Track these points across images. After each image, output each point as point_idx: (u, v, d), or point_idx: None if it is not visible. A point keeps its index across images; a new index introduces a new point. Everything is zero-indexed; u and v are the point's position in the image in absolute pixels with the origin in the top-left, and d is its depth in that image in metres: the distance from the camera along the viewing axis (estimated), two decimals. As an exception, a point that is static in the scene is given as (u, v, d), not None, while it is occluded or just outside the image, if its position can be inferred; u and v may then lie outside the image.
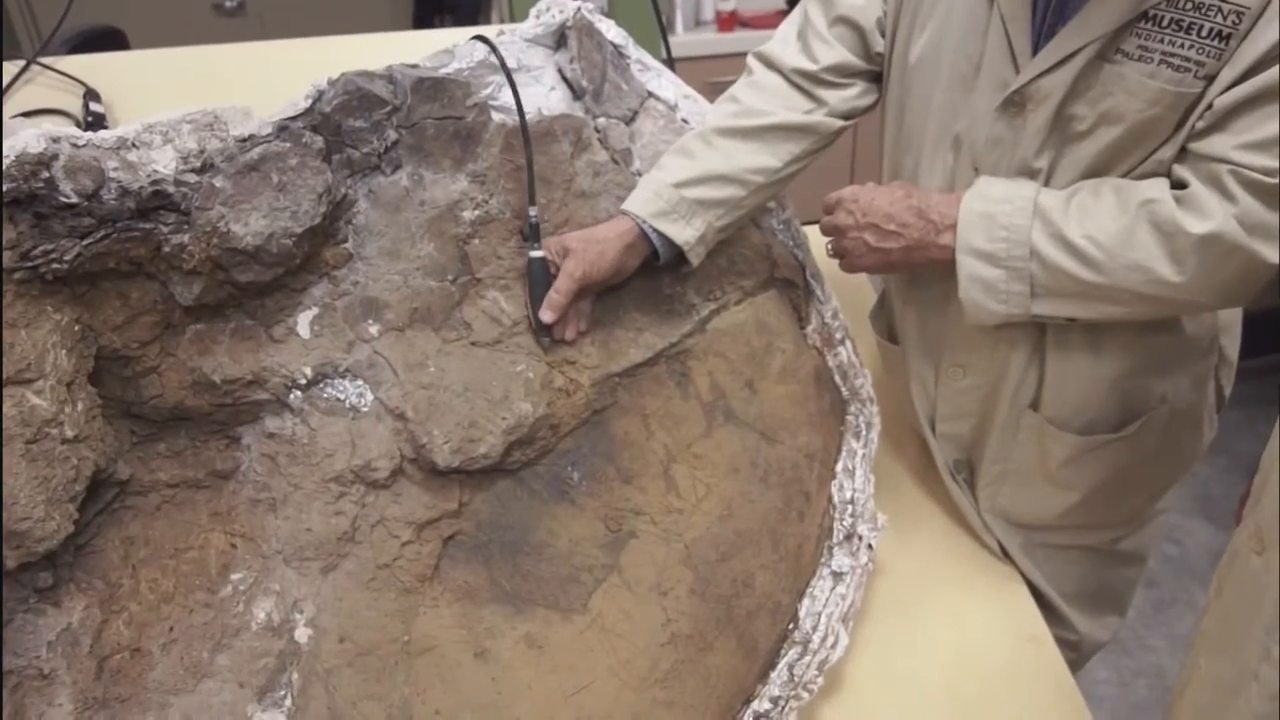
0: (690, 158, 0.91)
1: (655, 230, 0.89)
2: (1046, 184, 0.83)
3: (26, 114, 1.18)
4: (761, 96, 0.94)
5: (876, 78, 0.98)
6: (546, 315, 0.86)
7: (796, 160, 0.94)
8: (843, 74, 0.95)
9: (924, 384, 1.02)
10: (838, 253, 0.95)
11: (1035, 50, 0.79)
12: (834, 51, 0.94)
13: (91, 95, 1.22)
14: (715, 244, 0.93)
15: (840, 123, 0.96)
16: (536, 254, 0.88)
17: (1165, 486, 1.02)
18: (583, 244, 0.87)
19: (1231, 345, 0.97)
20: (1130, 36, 0.75)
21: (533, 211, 0.88)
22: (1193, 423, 0.97)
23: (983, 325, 0.86)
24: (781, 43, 0.97)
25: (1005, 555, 1.02)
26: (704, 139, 0.92)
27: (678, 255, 0.91)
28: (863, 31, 0.94)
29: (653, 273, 0.94)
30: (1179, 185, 0.76)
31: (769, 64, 0.97)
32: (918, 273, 0.97)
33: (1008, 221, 0.80)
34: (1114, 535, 1.04)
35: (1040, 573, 1.02)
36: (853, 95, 0.96)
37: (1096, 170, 0.81)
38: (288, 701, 0.76)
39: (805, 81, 0.95)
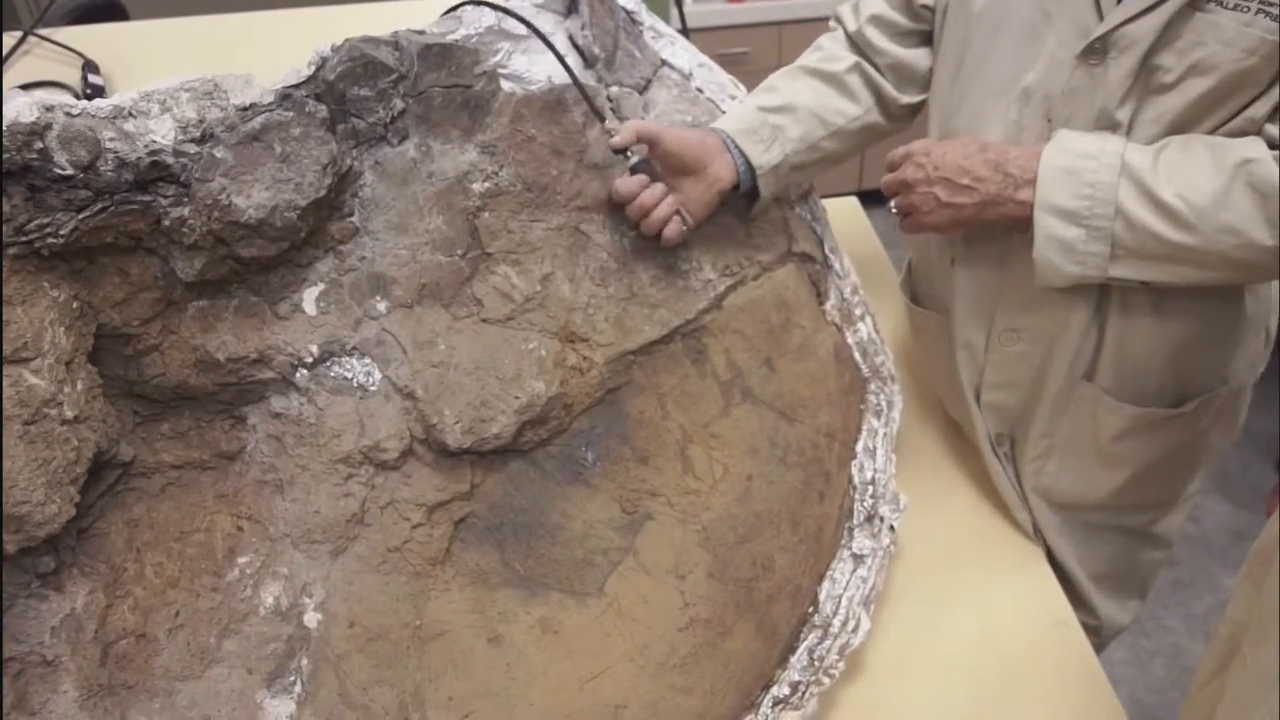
0: (773, 91, 0.95)
1: (738, 147, 0.89)
2: (1126, 138, 0.79)
3: (24, 86, 1.16)
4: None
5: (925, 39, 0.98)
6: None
7: (872, 113, 0.97)
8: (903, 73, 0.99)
9: (972, 350, 0.97)
10: (904, 209, 0.91)
11: None
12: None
13: (90, 67, 1.19)
14: (783, 188, 0.94)
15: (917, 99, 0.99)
16: (635, 160, 0.87)
17: (1205, 465, 1.00)
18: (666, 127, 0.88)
19: (1272, 322, 0.94)
20: None
21: (608, 123, 0.88)
22: (1241, 401, 0.95)
23: (1050, 287, 0.82)
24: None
25: (1036, 534, 1.00)
26: (789, 75, 0.96)
27: (749, 192, 0.91)
28: None
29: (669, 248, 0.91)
30: (1272, 146, 0.72)
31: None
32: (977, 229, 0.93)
33: (1093, 178, 0.76)
34: (1152, 517, 1.01)
35: (1074, 554, 1.00)
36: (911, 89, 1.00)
37: (1181, 125, 0.77)
38: (297, 687, 0.75)
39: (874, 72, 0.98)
